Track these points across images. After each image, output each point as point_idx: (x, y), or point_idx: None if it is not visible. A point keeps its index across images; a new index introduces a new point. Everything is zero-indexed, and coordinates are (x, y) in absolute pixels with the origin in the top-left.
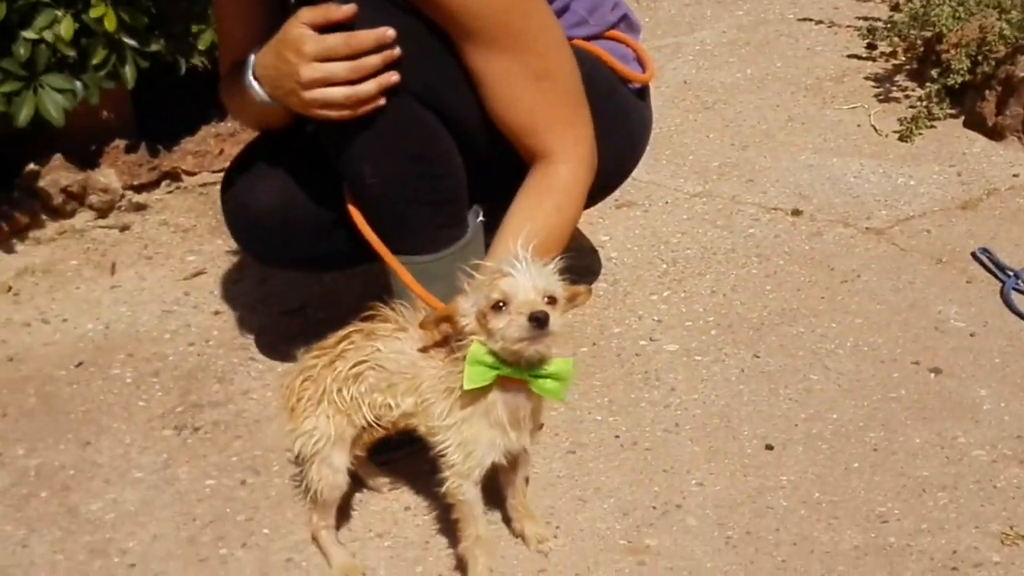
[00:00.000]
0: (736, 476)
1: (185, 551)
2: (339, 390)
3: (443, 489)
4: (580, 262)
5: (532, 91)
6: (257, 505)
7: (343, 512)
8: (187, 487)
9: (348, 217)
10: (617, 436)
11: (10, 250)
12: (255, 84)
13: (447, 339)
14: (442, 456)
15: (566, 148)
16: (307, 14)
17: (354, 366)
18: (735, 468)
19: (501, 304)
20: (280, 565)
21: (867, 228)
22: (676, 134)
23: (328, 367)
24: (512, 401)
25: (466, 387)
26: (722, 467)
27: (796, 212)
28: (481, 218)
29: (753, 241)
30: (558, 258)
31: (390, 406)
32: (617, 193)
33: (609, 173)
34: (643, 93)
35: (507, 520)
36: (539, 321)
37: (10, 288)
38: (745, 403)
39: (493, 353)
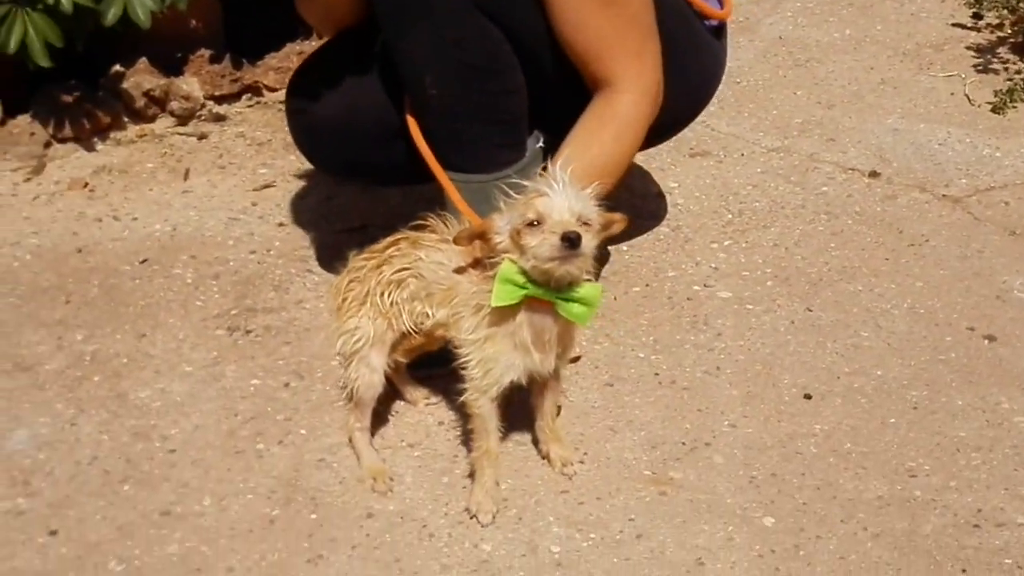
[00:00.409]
0: (770, 421)
1: (224, 443)
2: (382, 294)
3: (461, 399)
4: (645, 205)
5: (600, 16)
6: (297, 407)
7: (379, 420)
8: (232, 384)
9: (408, 128)
10: (657, 374)
11: (91, 148)
12: None
13: (481, 261)
14: (463, 369)
15: (630, 78)
16: None
17: (397, 272)
18: (769, 413)
19: (535, 222)
20: (312, 464)
21: (944, 195)
22: (763, 89)
23: (374, 270)
24: (538, 323)
25: (493, 304)
26: (757, 411)
27: (873, 174)
28: (541, 144)
29: (824, 199)
30: (597, 185)
31: (427, 315)
32: (693, 142)
33: (677, 110)
34: (719, 31)
35: (535, 441)
36: (571, 241)
37: (86, 184)
38: (790, 353)
39: (523, 273)
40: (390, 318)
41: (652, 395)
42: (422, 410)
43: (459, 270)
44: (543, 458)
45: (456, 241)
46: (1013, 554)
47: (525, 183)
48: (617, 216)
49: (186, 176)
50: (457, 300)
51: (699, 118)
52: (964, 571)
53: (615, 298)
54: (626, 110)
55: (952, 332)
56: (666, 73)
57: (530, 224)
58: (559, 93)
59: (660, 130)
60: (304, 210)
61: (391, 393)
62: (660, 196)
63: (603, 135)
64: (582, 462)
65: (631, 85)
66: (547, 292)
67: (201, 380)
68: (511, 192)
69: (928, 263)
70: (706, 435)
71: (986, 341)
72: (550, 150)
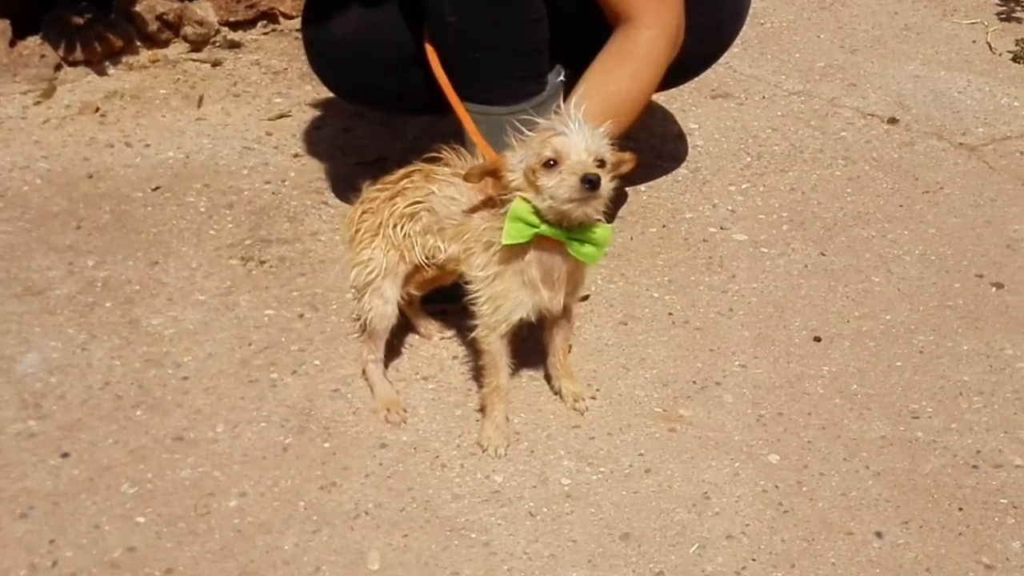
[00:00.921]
0: (779, 362)
1: (237, 371)
2: (395, 226)
3: (471, 335)
4: (664, 146)
5: None
6: (311, 338)
7: (393, 353)
8: (246, 314)
9: (426, 57)
10: (670, 313)
11: (102, 72)
12: None
13: (493, 199)
14: (473, 305)
15: (650, 14)
16: None
17: (411, 204)
18: (779, 354)
19: (552, 162)
20: (326, 394)
21: (960, 143)
22: (786, 31)
23: (387, 202)
24: (548, 261)
25: (504, 242)
26: (767, 352)
27: (892, 120)
28: (562, 78)
29: (843, 144)
30: (610, 124)
31: (439, 248)
32: (714, 83)
33: (701, 48)
34: None
35: (548, 377)
36: (591, 183)
37: (98, 109)
38: (802, 296)
39: (536, 212)
40: (403, 250)
41: (665, 334)
42: (436, 344)
43: (471, 209)
44: (555, 393)
45: (467, 178)
46: (1009, 494)
47: (540, 120)
48: (627, 156)
49: (200, 103)
50: (468, 236)
51: (722, 59)
52: (961, 509)
53: (631, 238)
54: (645, 47)
55: (961, 279)
56: (689, 10)
57: (547, 164)
58: (581, 25)
59: (683, 69)
60: (320, 141)
61: (405, 326)
62: (680, 137)
63: (621, 72)
64: (594, 398)
65: (652, 21)
66: (559, 231)
67: (214, 309)
68: (529, 127)
69: (941, 210)
70: (716, 374)
71: (993, 288)
72: (570, 84)
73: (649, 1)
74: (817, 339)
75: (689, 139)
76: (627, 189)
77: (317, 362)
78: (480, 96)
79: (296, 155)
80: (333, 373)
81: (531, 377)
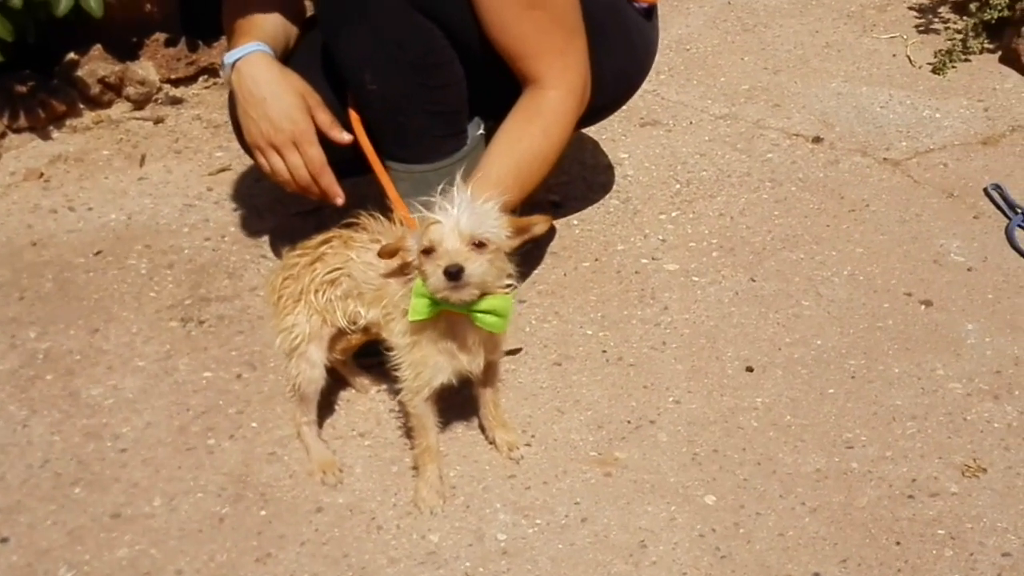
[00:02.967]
0: (712, 395)
1: (175, 439)
2: (316, 291)
3: (397, 399)
4: (595, 178)
5: (523, 18)
6: (249, 399)
7: (329, 410)
8: (185, 378)
9: (351, 123)
10: (604, 351)
11: (47, 137)
12: (229, 69)
13: (408, 265)
14: (395, 370)
15: (555, 75)
16: (320, 111)
17: (331, 271)
18: (713, 388)
19: (431, 249)
20: (263, 458)
21: (884, 159)
22: (712, 55)
23: (308, 267)
24: (460, 330)
25: (410, 319)
26: (701, 386)
27: (817, 139)
28: (481, 131)
29: (769, 166)
30: (500, 197)
31: (360, 313)
32: (643, 111)
33: (611, 92)
34: (650, 13)
35: (483, 427)
36: (451, 275)
37: (42, 174)
38: (734, 325)
39: None
40: (325, 315)
41: (599, 373)
42: (372, 397)
43: (388, 274)
44: (490, 443)
45: (380, 254)
46: (946, 524)
47: (427, 204)
48: (536, 218)
49: (142, 162)
50: (387, 301)
51: (648, 87)
52: (898, 543)
53: (564, 274)
54: (553, 106)
55: (890, 298)
56: (596, 62)
57: (426, 251)
58: (498, 81)
59: (596, 111)
60: (259, 194)
61: (341, 381)
62: (610, 167)
63: (532, 129)
64: (529, 445)
65: (557, 82)
66: (458, 307)
67: (153, 375)
68: (450, 182)
69: (868, 228)
70: (651, 412)
71: (923, 307)
72: (491, 134)
73: (553, 63)
74: (750, 369)
75: (619, 169)
76: (559, 223)
77: (254, 424)
78: (404, 156)
79: (235, 209)
80: (270, 435)
81: (466, 427)
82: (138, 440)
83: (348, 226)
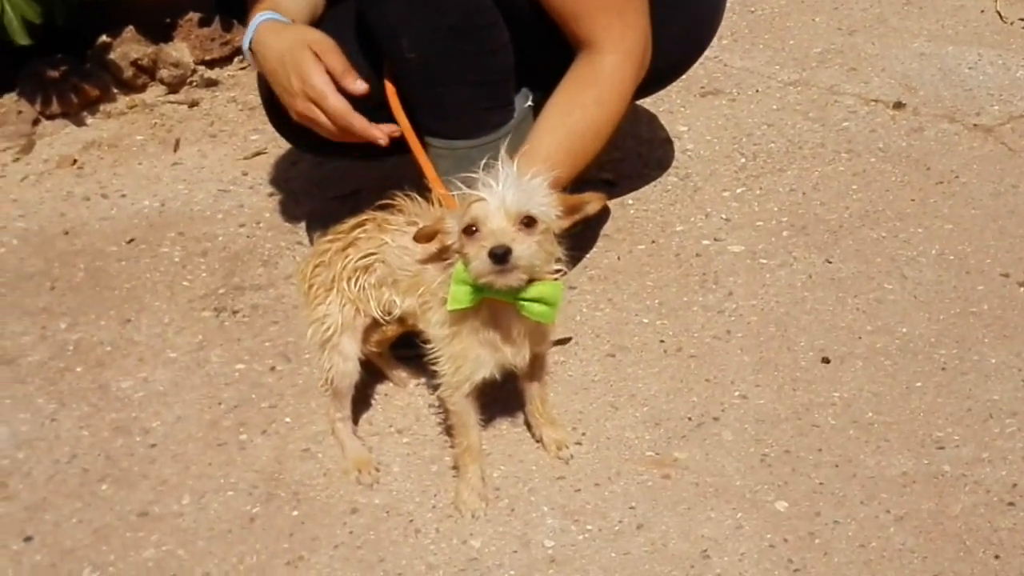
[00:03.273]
0: (784, 390)
1: (205, 435)
2: (348, 279)
3: (436, 395)
4: (651, 153)
5: None
6: (283, 393)
7: (365, 405)
8: (217, 370)
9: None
10: (662, 341)
11: (80, 123)
12: (249, 54)
13: (447, 249)
14: (433, 364)
15: (612, 38)
16: (330, 57)
17: (364, 256)
18: (784, 381)
19: (473, 229)
20: (296, 455)
21: (975, 125)
22: (778, 16)
23: (340, 253)
24: (504, 320)
25: (449, 308)
26: (770, 379)
27: (898, 105)
28: (530, 103)
29: (846, 136)
30: (552, 173)
31: (395, 302)
32: (704, 80)
33: (674, 56)
34: None
35: (529, 424)
36: (497, 258)
37: (75, 161)
38: (807, 311)
39: None
40: (358, 304)
41: (657, 365)
42: (411, 391)
43: (424, 260)
44: (537, 441)
45: (416, 239)
46: None
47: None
48: (588, 196)
49: (176, 147)
50: (424, 289)
51: (709, 53)
52: (997, 557)
53: (618, 258)
54: (609, 72)
55: (984, 280)
56: (658, 22)
57: (468, 231)
58: (548, 47)
59: (656, 79)
60: (295, 177)
61: (377, 375)
62: (668, 142)
63: (585, 99)
64: (579, 443)
65: (614, 46)
66: (503, 294)
67: (185, 367)
68: (498, 158)
69: (958, 202)
70: (714, 408)
71: (1022, 288)
72: (540, 107)
73: (610, 24)
74: (826, 360)
75: (678, 143)
76: (613, 203)
77: (288, 419)
78: (445, 131)
79: (271, 194)
80: (304, 431)
81: (511, 423)
82: (168, 435)
83: (383, 208)
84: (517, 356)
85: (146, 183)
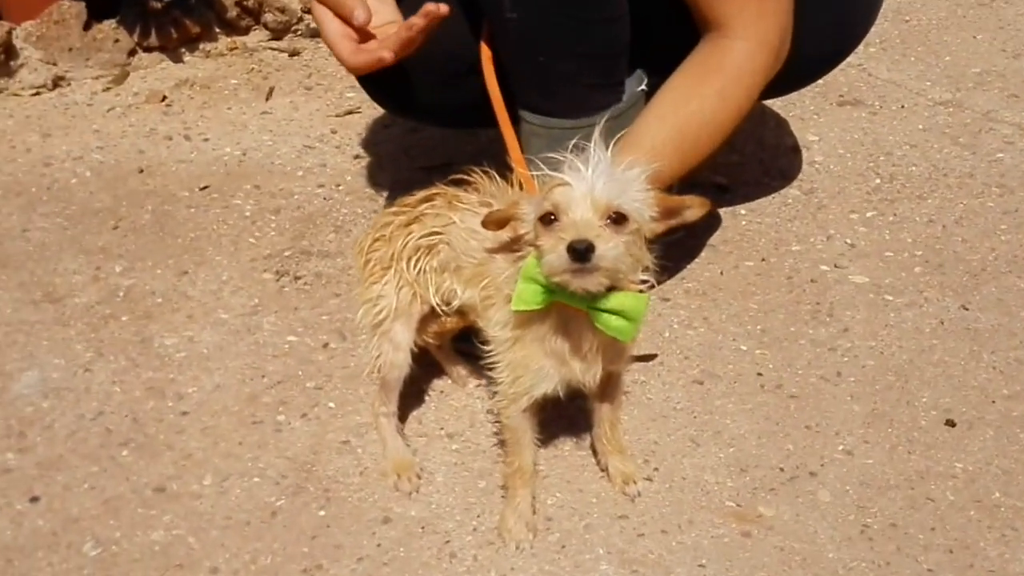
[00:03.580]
0: (897, 451)
1: (242, 409)
2: (408, 259)
3: (490, 405)
4: (774, 161)
5: None
6: (331, 374)
7: (417, 402)
8: (267, 339)
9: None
10: (760, 374)
11: (178, 59)
12: None
13: (520, 239)
14: (490, 370)
15: (745, 22)
16: None
17: (428, 235)
18: (899, 441)
19: (551, 217)
20: (335, 446)
21: None
22: (935, 29)
23: (403, 228)
24: (575, 330)
25: (513, 307)
26: (882, 437)
27: None
28: (644, 87)
29: (999, 168)
30: (654, 164)
31: (456, 292)
32: (844, 87)
33: (817, 50)
34: None
35: (595, 450)
36: (577, 254)
37: (164, 98)
38: (934, 363)
39: None
40: (416, 289)
41: (750, 401)
42: (470, 393)
43: (494, 249)
44: (602, 470)
45: (484, 224)
46: None
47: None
48: (691, 199)
49: (269, 95)
50: (488, 281)
51: (853, 59)
52: None
53: (721, 272)
54: (738, 62)
55: None
56: (801, 11)
57: (546, 220)
58: (670, 25)
59: (792, 75)
60: (385, 141)
61: (435, 368)
62: (795, 151)
63: (705, 89)
64: (650, 479)
65: (746, 31)
66: (577, 299)
67: (234, 331)
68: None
69: None
70: (813, 461)
71: None
72: (654, 93)
73: (746, 5)
74: (950, 423)
75: (806, 153)
76: (724, 211)
77: (331, 404)
78: (542, 106)
79: (357, 156)
80: (347, 420)
81: (576, 445)
82: (202, 404)
83: (458, 183)
84: (587, 374)
85: (231, 129)
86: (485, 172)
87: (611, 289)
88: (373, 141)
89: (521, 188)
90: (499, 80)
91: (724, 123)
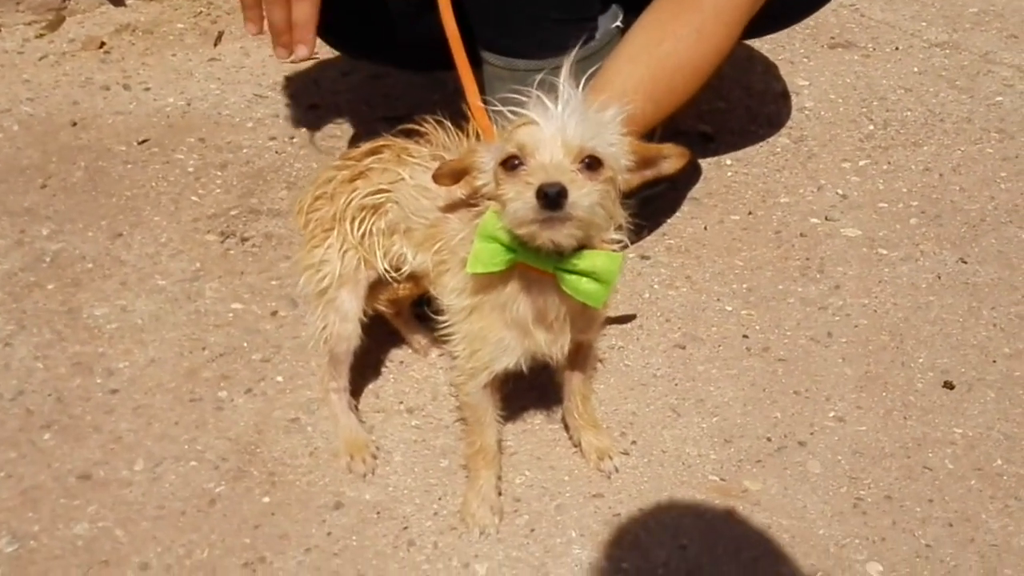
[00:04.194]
0: (892, 417)
1: (179, 385)
2: (352, 219)
3: (449, 383)
4: (762, 108)
5: None
6: (280, 344)
7: (374, 373)
8: (209, 307)
9: None
10: (746, 336)
11: (119, 2)
12: None
13: (475, 197)
14: (445, 342)
15: None
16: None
17: (373, 192)
18: (893, 406)
19: (515, 161)
20: (281, 424)
21: None
22: None
23: (346, 184)
24: (539, 296)
25: (469, 270)
26: (876, 401)
27: None
28: (619, 23)
29: (998, 112)
30: (627, 105)
31: (406, 257)
32: (835, 28)
33: None
34: None
35: (568, 424)
36: (548, 198)
37: (102, 45)
38: (931, 321)
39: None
40: (362, 253)
41: (735, 366)
42: (432, 363)
43: (448, 207)
44: (575, 446)
45: (435, 178)
46: None
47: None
48: (668, 148)
49: (217, 40)
50: (442, 244)
51: (847, 0)
52: None
53: (706, 227)
54: None
55: None
56: None
57: (509, 164)
58: None
59: (777, 13)
60: (344, 91)
61: (394, 337)
62: (784, 97)
63: (680, 26)
64: (627, 453)
65: None
66: (542, 259)
67: (172, 298)
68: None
69: None
70: (802, 430)
71: None
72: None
73: None
74: (948, 385)
75: (796, 99)
76: (708, 162)
77: (279, 378)
78: (504, 45)
79: (313, 106)
80: (296, 395)
81: (547, 418)
82: (134, 380)
83: (408, 134)
84: (553, 345)
85: (175, 78)
86: (439, 121)
87: (581, 248)
88: (331, 90)
89: (479, 138)
90: (459, 18)
91: (702, 65)
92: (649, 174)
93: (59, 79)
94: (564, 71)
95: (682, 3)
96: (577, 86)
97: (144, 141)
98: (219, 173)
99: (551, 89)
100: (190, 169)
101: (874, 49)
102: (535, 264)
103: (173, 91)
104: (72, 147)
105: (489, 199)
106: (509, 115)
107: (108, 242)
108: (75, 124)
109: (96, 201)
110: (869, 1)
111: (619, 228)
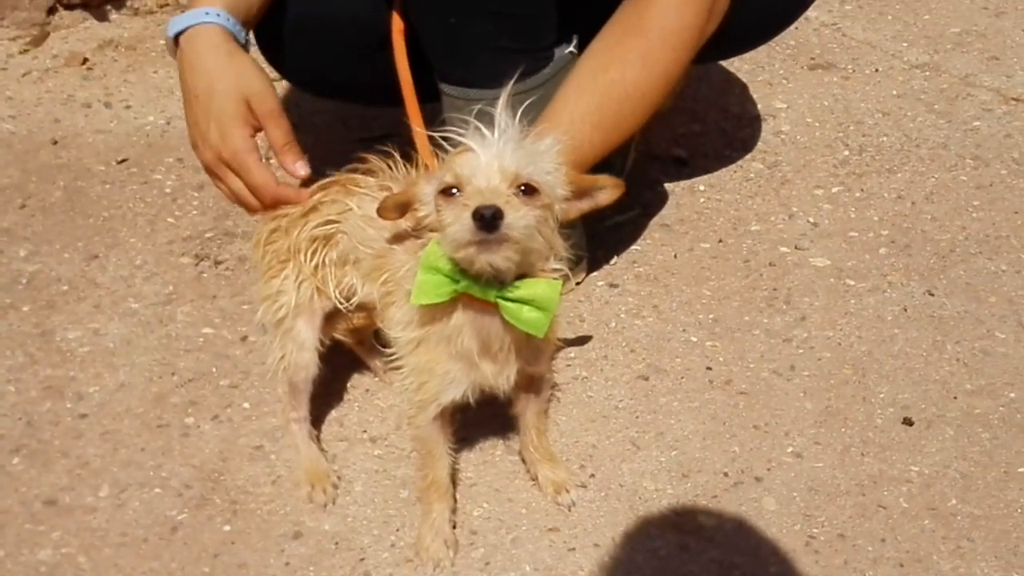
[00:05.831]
0: (850, 453)
1: (147, 411)
2: (306, 251)
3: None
4: (737, 132)
5: None
6: (248, 371)
7: (338, 401)
8: (180, 331)
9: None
10: (709, 368)
11: (103, 17)
12: (171, 44)
13: (420, 228)
14: (394, 373)
15: None
16: (272, 124)
17: (324, 223)
18: (851, 442)
19: (454, 189)
20: (246, 452)
21: None
22: None
23: (300, 218)
24: (483, 326)
25: (413, 301)
26: (835, 437)
27: None
28: (572, 49)
29: (974, 138)
30: (562, 136)
31: (356, 287)
32: (815, 49)
33: (764, 12)
34: None
35: (524, 458)
36: (484, 221)
37: (85, 61)
38: (894, 355)
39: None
40: (316, 283)
41: (697, 398)
42: (398, 391)
43: (395, 238)
44: (532, 479)
45: (379, 212)
46: None
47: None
48: (603, 180)
49: None
50: (388, 275)
51: (827, 18)
52: None
53: (675, 255)
54: (661, 21)
55: None
56: None
57: (447, 192)
58: None
59: (740, 35)
60: (322, 111)
61: (358, 365)
62: (758, 120)
63: (627, 53)
64: (584, 486)
65: None
66: (483, 288)
67: (144, 322)
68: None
69: None
70: (759, 465)
71: None
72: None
73: None
74: (908, 422)
75: (771, 123)
76: (681, 186)
77: (246, 405)
78: (459, 75)
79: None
80: (262, 422)
81: (507, 449)
82: (103, 405)
83: (355, 170)
84: (499, 376)
85: (156, 96)
86: (388, 154)
87: (521, 277)
88: (308, 111)
89: (426, 169)
90: (416, 55)
91: (649, 93)
92: (585, 206)
93: (41, 96)
94: (501, 101)
95: (628, 29)
96: (514, 115)
97: (123, 161)
98: (196, 194)
99: (491, 119)
100: (167, 190)
101: (854, 71)
102: (477, 294)
103: (153, 109)
104: (52, 166)
105: (431, 230)
106: (448, 146)
107: (84, 264)
108: (55, 143)
109: (74, 222)
110: (852, 20)
111: (559, 259)
